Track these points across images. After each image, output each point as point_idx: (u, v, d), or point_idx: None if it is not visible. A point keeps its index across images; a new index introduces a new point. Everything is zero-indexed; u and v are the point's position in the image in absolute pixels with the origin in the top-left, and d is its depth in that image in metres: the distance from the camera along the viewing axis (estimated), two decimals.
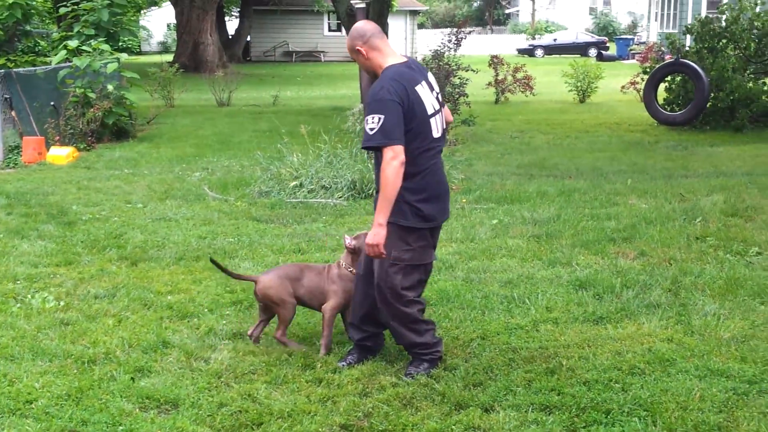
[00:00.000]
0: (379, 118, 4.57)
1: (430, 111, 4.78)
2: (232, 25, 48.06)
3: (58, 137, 14.09)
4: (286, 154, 10.96)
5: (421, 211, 4.78)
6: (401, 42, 46.52)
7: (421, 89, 4.77)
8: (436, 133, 4.83)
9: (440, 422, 4.36)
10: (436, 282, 6.53)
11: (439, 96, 4.97)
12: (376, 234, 4.63)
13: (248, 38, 46.59)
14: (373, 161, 5.08)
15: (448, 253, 7.48)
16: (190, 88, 23.96)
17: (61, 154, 13.29)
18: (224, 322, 5.85)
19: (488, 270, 6.99)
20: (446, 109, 5.13)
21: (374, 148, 4.64)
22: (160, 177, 11.63)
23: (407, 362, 5.07)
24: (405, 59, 4.90)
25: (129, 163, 12.88)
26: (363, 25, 4.92)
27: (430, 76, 4.98)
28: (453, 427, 4.31)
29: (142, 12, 49.17)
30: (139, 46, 54.31)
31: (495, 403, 4.54)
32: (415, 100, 4.70)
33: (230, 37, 44.88)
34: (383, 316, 4.99)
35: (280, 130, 13.45)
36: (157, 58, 37.22)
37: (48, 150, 13.50)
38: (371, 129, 4.60)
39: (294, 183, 10.20)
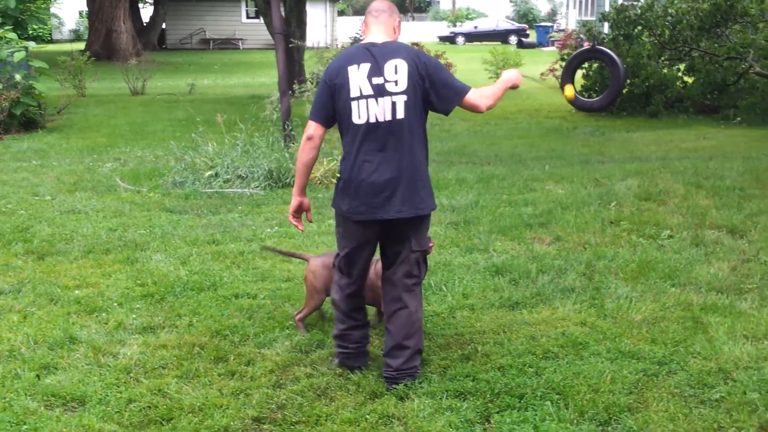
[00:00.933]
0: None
1: (354, 94, 4.52)
2: (147, 12, 47.17)
3: None
4: (201, 144, 10.81)
5: (336, 196, 4.76)
6: (321, 30, 46.30)
7: (354, 70, 4.54)
8: (358, 119, 4.53)
9: (355, 412, 4.36)
10: None
11: (397, 83, 4.54)
12: (291, 204, 4.92)
13: (163, 25, 45.81)
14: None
15: None
16: (103, 77, 23.46)
17: None
18: (134, 316, 5.75)
19: None
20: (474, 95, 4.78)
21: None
22: (70, 168, 11.36)
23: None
24: (378, 42, 4.65)
25: (37, 155, 12.55)
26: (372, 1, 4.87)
27: (397, 63, 4.56)
28: (368, 416, 4.31)
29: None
30: (50, 34, 52.94)
31: (410, 391, 4.56)
32: (341, 81, 4.55)
33: (145, 24, 44.06)
34: None
35: (196, 119, 13.25)
36: (68, 47, 36.32)
37: None
38: None
39: (209, 173, 10.08)
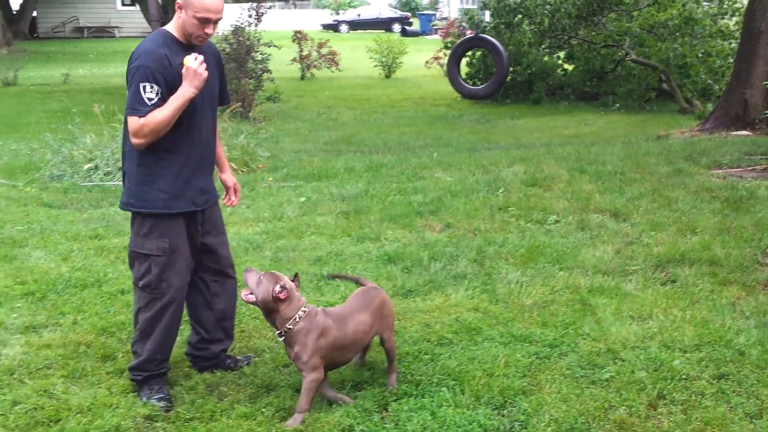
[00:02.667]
0: None
1: None
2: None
3: None
4: (79, 136, 10.51)
5: None
6: None
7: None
8: None
9: (250, 406, 4.33)
10: (243, 263, 6.46)
11: None
12: None
13: (34, 13, 44.22)
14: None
15: (255, 233, 7.43)
16: None
17: None
18: (15, 315, 5.56)
19: (297, 248, 6.99)
20: None
21: None
22: None
23: None
24: None
25: None
26: None
27: None
28: (263, 409, 4.28)
29: None
30: None
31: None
32: None
33: (14, 12, 42.42)
34: None
35: (72, 111, 12.86)
36: None
37: None
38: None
39: (89, 165, 9.81)
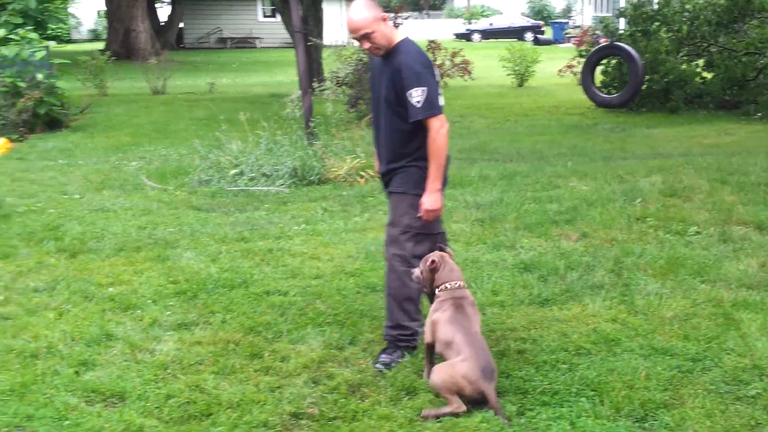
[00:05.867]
0: (423, 91, 4.77)
1: (439, 82, 4.99)
2: (164, 11, 47.32)
3: None
4: (225, 142, 10.86)
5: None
6: (337, 28, 46.33)
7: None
8: (442, 102, 4.94)
9: (390, 408, 4.38)
10: (381, 267, 6.54)
11: None
12: (435, 199, 4.89)
13: (181, 25, 45.96)
14: (382, 139, 5.13)
15: None
16: (123, 76, 23.59)
17: None
18: (168, 313, 5.79)
19: None
20: None
21: (422, 120, 4.81)
22: (96, 167, 11.43)
23: (380, 350, 5.08)
24: None
25: (63, 154, 12.62)
26: (369, 0, 4.91)
27: None
28: (402, 412, 4.33)
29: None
30: (69, 34, 53.21)
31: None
32: (434, 72, 4.93)
33: (162, 24, 44.19)
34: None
35: (218, 118, 13.30)
36: (87, 46, 36.50)
37: None
38: (417, 102, 4.79)
39: (234, 171, 10.12)
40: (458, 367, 4.30)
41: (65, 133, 14.88)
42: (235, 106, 16.21)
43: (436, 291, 4.72)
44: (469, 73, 22.54)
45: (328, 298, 5.97)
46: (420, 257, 4.92)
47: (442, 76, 22.67)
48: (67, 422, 4.26)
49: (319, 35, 21.26)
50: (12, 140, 13.57)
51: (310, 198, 9.25)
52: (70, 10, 54.16)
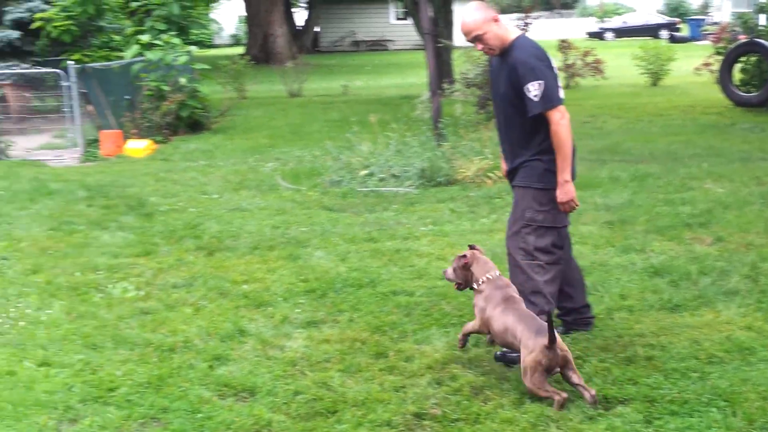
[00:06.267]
0: (540, 84, 4.77)
1: (558, 75, 4.97)
2: (301, 16, 48.29)
3: (135, 130, 14.34)
4: (356, 144, 10.97)
5: (552, 172, 4.89)
6: None
7: (550, 56, 4.99)
8: (563, 95, 4.94)
9: (512, 411, 4.32)
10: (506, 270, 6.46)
11: None
12: (566, 191, 4.85)
13: (317, 29, 46.77)
14: (504, 137, 5.19)
15: None
16: (262, 80, 24.17)
17: (138, 146, 13.53)
18: (298, 310, 5.88)
19: None
20: None
21: (541, 113, 4.81)
22: (235, 168, 11.76)
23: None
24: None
25: (204, 155, 13.04)
26: (481, 3, 5.02)
27: None
28: (525, 416, 4.26)
29: (212, 5, 49.82)
30: (212, 39, 54.97)
31: (570, 393, 4.47)
32: (552, 65, 4.92)
33: (299, 28, 45.09)
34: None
35: (350, 120, 13.46)
36: (229, 51, 37.62)
37: (126, 143, 13.75)
38: (535, 96, 4.77)
39: (364, 172, 10.22)
40: (531, 363, 4.36)
41: (206, 135, 15.36)
42: (367, 108, 16.37)
43: (476, 286, 4.86)
44: (601, 72, 22.01)
45: (454, 300, 5.94)
46: (542, 251, 4.93)
47: (573, 75, 22.27)
48: (199, 415, 4.38)
49: (449, 37, 21.22)
50: (156, 142, 14.15)
51: (438, 199, 9.23)
52: (213, 15, 56.05)
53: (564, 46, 21.86)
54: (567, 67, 22.28)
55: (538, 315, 4.70)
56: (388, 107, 16.90)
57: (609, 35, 49.71)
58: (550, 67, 4.87)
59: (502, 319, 4.63)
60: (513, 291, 4.80)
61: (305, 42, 43.67)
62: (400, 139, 10.83)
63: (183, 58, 15.45)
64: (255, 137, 14.94)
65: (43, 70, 15.65)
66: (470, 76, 16.59)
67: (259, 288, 6.39)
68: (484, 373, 4.78)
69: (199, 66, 16.32)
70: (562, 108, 4.82)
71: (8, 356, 5.12)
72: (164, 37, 16.09)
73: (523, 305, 4.73)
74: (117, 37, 21.31)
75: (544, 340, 4.29)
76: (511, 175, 5.17)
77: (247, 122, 17.19)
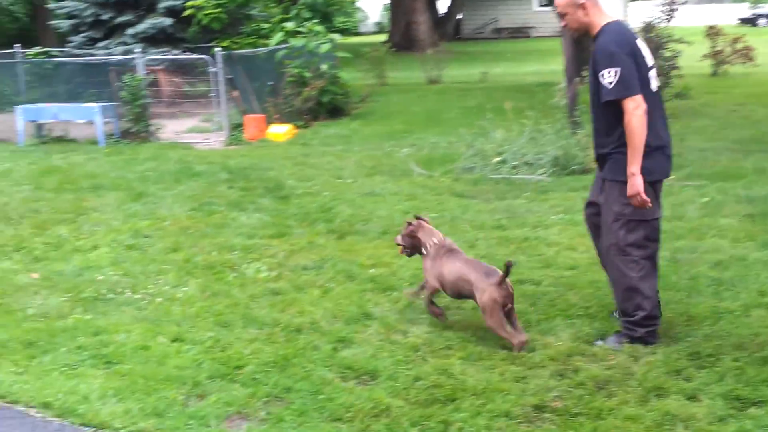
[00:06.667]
0: (616, 71, 4.64)
1: (649, 64, 4.82)
2: (444, 3, 48.10)
3: (277, 115, 14.63)
4: (490, 131, 10.82)
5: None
6: (612, 14, 44.71)
7: (641, 43, 4.86)
8: (654, 87, 4.82)
9: (637, 408, 4.14)
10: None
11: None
12: (632, 185, 4.68)
13: (459, 16, 46.49)
14: (593, 123, 5.03)
15: None
16: (402, 67, 24.22)
17: (280, 131, 13.80)
18: (424, 297, 5.82)
19: (696, 250, 6.58)
20: None
21: (615, 101, 4.68)
22: (370, 153, 11.82)
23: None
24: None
25: (342, 140, 13.17)
26: None
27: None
28: (649, 414, 4.07)
29: None
30: (357, 26, 55.60)
31: (699, 392, 4.25)
32: (638, 53, 4.76)
33: (441, 15, 44.93)
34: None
35: (486, 107, 13.29)
36: (373, 39, 37.93)
37: (268, 127, 14.05)
38: (609, 83, 4.66)
39: (497, 159, 10.06)
40: (488, 302, 4.83)
41: (345, 120, 15.51)
42: (505, 95, 16.14)
43: (423, 251, 5.32)
44: (752, 59, 20.93)
45: (581, 290, 5.76)
46: (634, 245, 4.78)
47: (721, 63, 21.26)
48: (321, 396, 4.40)
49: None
50: (297, 127, 14.39)
51: (571, 188, 8.99)
52: (358, 4, 56.66)
53: (712, 32, 20.90)
54: (714, 54, 21.32)
55: (635, 315, 4.78)
56: (525, 94, 16.60)
57: (762, 21, 47.29)
58: (632, 55, 4.69)
59: (451, 270, 5.09)
60: (455, 246, 5.32)
61: (447, 29, 43.47)
62: (535, 127, 10.61)
63: (325, 46, 15.63)
64: (392, 123, 14.98)
65: (192, 56, 16.16)
66: None
67: (385, 272, 6.38)
68: (608, 367, 4.61)
69: (340, 53, 16.48)
70: (637, 98, 4.62)
71: (144, 331, 5.29)
72: (308, 24, 16.31)
73: (464, 255, 5.26)
74: (266, 25, 21.78)
75: (496, 279, 4.80)
76: (600, 164, 5.03)
77: (386, 108, 17.26)
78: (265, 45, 17.82)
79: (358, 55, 20.62)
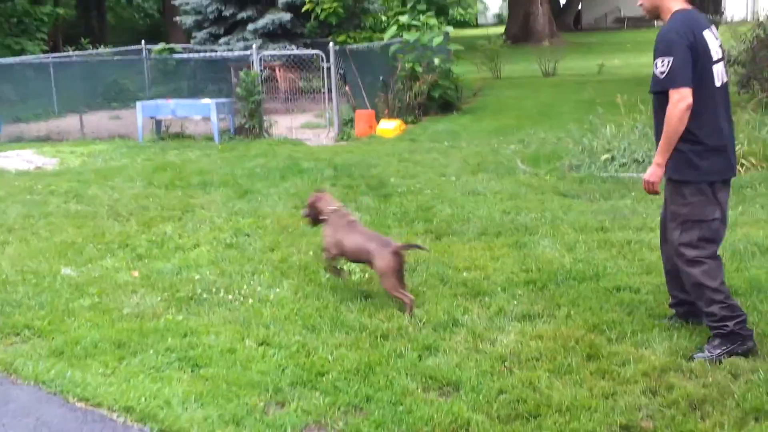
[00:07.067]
0: (669, 61, 4.41)
1: (714, 57, 4.52)
2: None
3: (387, 111, 14.55)
4: (600, 126, 10.42)
5: (694, 163, 4.49)
6: (742, 3, 42.81)
7: (708, 34, 4.53)
8: (718, 82, 4.53)
9: None
10: (746, 269, 5.83)
11: (722, 47, 4.64)
12: (653, 173, 4.57)
13: (579, 6, 45.43)
14: (653, 116, 4.77)
15: (761, 237, 6.64)
16: (518, 60, 23.82)
17: (388, 127, 13.72)
18: (515, 302, 5.61)
19: None
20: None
21: (661, 92, 4.47)
22: (476, 150, 11.58)
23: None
24: (692, 6, 4.64)
25: (450, 136, 12.98)
26: None
27: (713, 28, 4.64)
28: None
29: None
30: (476, 19, 55.12)
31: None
32: (700, 45, 4.46)
33: (561, 6, 44.00)
34: None
35: (598, 101, 12.83)
36: (491, 31, 37.44)
37: (378, 123, 13.99)
38: (661, 72, 4.42)
39: (605, 156, 9.66)
40: (385, 268, 5.49)
41: (456, 115, 15.30)
42: (620, 88, 15.52)
43: (322, 217, 5.95)
44: None
45: None
46: (688, 245, 4.56)
47: None
48: (400, 408, 4.25)
49: (716, 11, 19.74)
50: (406, 122, 14.28)
51: None
52: None
53: None
54: None
55: (713, 312, 4.57)
56: (641, 87, 15.84)
57: None
58: (693, 47, 4.39)
59: (351, 240, 5.73)
60: (354, 218, 6.04)
61: (567, 20, 42.57)
62: (648, 122, 10.13)
63: (438, 39, 15.43)
64: (502, 118, 14.69)
65: (305, 51, 16.25)
66: (733, 53, 15.30)
67: (479, 276, 6.18)
68: (704, 385, 4.29)
69: (453, 46, 16.27)
70: (683, 91, 4.35)
71: (233, 333, 5.27)
72: (422, 17, 16.15)
73: (362, 227, 6.03)
74: (384, 18, 21.73)
75: (392, 248, 5.50)
76: None
77: (497, 103, 16.96)
78: (381, 39, 17.77)
79: (473, 48, 20.33)
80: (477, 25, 52.63)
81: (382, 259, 5.51)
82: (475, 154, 11.18)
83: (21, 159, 12.30)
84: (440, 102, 15.65)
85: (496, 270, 6.29)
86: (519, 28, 35.17)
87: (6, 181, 10.65)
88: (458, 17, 51.08)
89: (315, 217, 6.08)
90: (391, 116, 14.34)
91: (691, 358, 4.58)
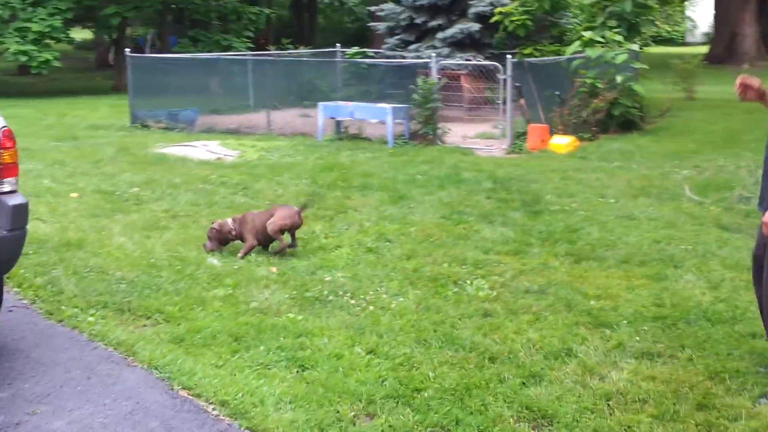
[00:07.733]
0: None
1: None
2: None
3: (561, 126, 14.14)
4: None
5: None
6: None
7: None
8: None
9: None
10: None
11: None
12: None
13: None
14: None
15: None
16: (718, 81, 22.44)
17: (561, 142, 13.33)
18: (637, 338, 5.26)
19: None
20: None
21: None
22: (645, 173, 11.00)
23: None
24: None
25: (622, 156, 12.40)
26: None
27: None
28: None
29: (687, 2, 47.68)
30: (683, 36, 52.83)
31: None
32: None
33: None
34: None
35: None
36: (696, 50, 35.64)
37: (551, 138, 13.63)
38: None
39: None
40: (281, 221, 7.05)
41: (635, 135, 14.63)
42: None
43: (233, 232, 7.20)
44: None
45: None
46: None
47: None
48: None
49: None
50: (582, 139, 13.81)
51: None
52: (688, 13, 53.68)
53: None
54: None
55: None
56: None
57: None
58: None
59: (260, 220, 7.12)
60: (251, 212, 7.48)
61: None
62: None
63: (622, 57, 14.83)
64: (683, 141, 13.89)
65: (482, 62, 16.06)
66: None
67: (607, 306, 5.85)
68: None
69: (637, 65, 15.60)
70: None
71: (344, 339, 5.25)
72: (608, 34, 15.58)
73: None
74: (570, 32, 21.17)
75: (296, 210, 7.15)
76: None
77: (684, 125, 16.07)
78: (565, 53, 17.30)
79: (665, 67, 19.41)
80: (683, 44, 50.35)
81: (283, 216, 7.09)
82: (642, 177, 10.63)
83: (205, 149, 12.92)
84: (621, 120, 15.00)
85: (627, 301, 5.94)
86: (724, 48, 33.22)
87: (186, 170, 11.21)
88: (664, 34, 49.09)
89: (223, 241, 7.22)
90: (565, 132, 13.92)
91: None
